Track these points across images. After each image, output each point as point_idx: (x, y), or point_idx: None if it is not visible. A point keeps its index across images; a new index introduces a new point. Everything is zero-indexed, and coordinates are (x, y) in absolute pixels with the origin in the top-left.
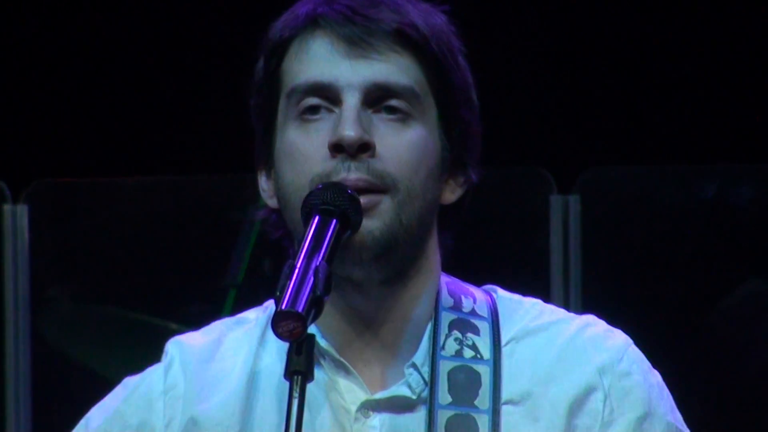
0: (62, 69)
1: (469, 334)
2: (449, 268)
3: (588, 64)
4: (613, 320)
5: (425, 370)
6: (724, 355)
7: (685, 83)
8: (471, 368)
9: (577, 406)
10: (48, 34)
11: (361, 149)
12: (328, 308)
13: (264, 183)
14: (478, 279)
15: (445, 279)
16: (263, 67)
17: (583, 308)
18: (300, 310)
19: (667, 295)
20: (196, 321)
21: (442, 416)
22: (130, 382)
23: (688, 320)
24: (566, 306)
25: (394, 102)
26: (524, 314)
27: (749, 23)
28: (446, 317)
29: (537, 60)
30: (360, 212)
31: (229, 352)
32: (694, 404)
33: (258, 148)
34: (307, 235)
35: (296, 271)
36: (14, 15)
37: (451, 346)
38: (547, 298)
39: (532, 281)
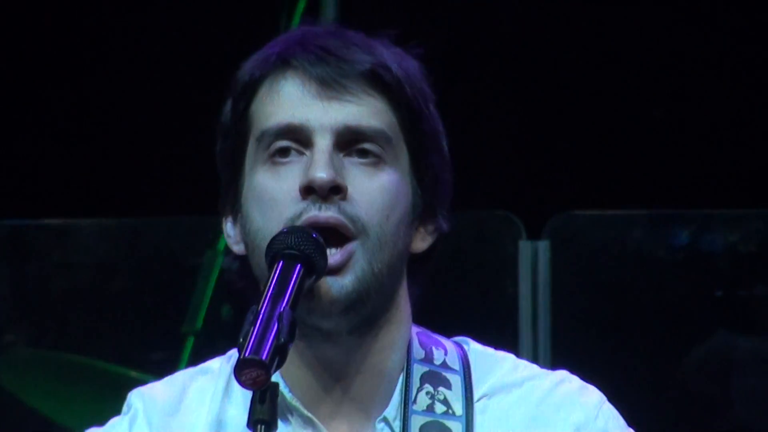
0: (16, 109)
1: (441, 388)
2: (415, 313)
3: (559, 108)
4: (582, 369)
5: (397, 425)
6: (697, 408)
7: (658, 128)
8: (443, 424)
9: None
10: (9, 75)
11: (333, 191)
12: (295, 360)
13: (230, 229)
14: (445, 325)
15: (415, 329)
16: (231, 109)
17: (552, 355)
18: (264, 357)
19: (637, 343)
20: (156, 368)
21: None
22: None
23: (659, 370)
24: (534, 353)
25: (366, 145)
26: (497, 369)
27: (721, 70)
28: (418, 369)
29: (506, 104)
30: (325, 257)
31: (193, 404)
32: None
33: (224, 192)
34: (271, 280)
35: (260, 317)
36: None
37: (422, 400)
38: (515, 345)
39: (500, 327)
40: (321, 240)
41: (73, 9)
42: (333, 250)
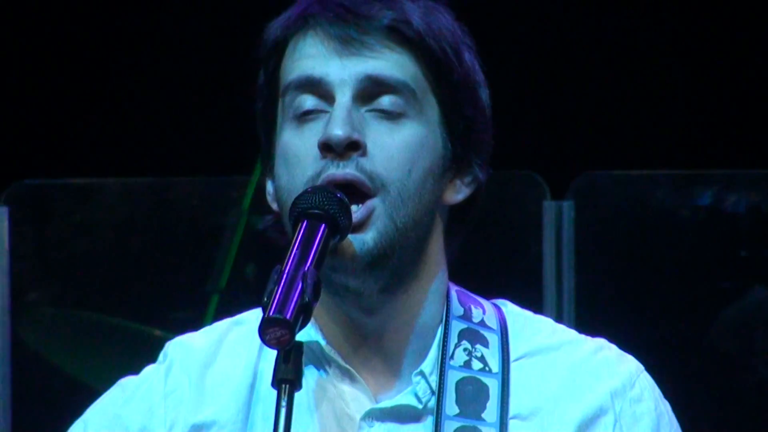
0: (42, 71)
1: (479, 346)
2: (450, 270)
3: (582, 69)
4: (605, 327)
5: (433, 379)
6: (726, 366)
7: (682, 88)
8: (479, 380)
9: (586, 426)
10: (26, 37)
11: (350, 147)
12: (331, 316)
13: (270, 187)
14: (469, 285)
15: (454, 288)
16: (263, 71)
17: (576, 315)
18: (288, 316)
19: (660, 303)
20: (180, 327)
21: (449, 427)
22: (128, 384)
23: (682, 328)
24: (558, 313)
25: (388, 98)
26: (536, 331)
27: (745, 30)
28: (456, 326)
29: (531, 65)
30: (350, 216)
31: (230, 355)
32: (694, 416)
33: (263, 152)
34: (295, 239)
35: (284, 276)
36: None
37: (460, 356)
38: (539, 305)
39: (524, 287)
40: (345, 199)
41: None
42: (354, 207)
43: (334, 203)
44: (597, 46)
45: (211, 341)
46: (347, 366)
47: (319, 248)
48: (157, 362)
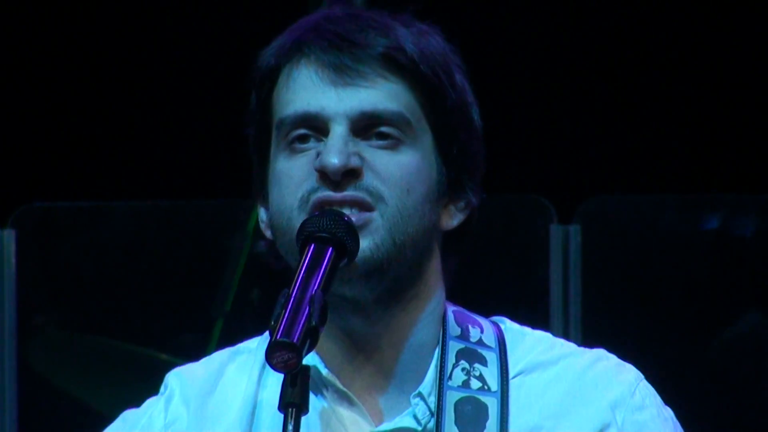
0: (50, 94)
1: (477, 365)
2: (448, 297)
3: (590, 93)
4: (612, 351)
5: (431, 401)
6: (728, 390)
7: (689, 112)
8: (478, 400)
9: None
10: (35, 57)
11: (347, 175)
12: (328, 335)
13: (263, 214)
14: (476, 308)
15: (451, 308)
16: (255, 97)
17: (582, 338)
18: (295, 340)
19: (668, 327)
20: (186, 351)
21: None
22: (129, 416)
23: (689, 353)
24: (565, 337)
25: (383, 129)
26: (533, 347)
27: (754, 56)
28: (454, 346)
29: (539, 88)
30: (357, 240)
31: (230, 384)
32: None
33: (255, 179)
34: (303, 263)
35: (291, 300)
36: None
37: (458, 376)
38: (546, 329)
39: (531, 311)
40: (353, 223)
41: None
42: (353, 218)
43: (341, 227)
44: (605, 70)
45: (211, 371)
46: (345, 390)
47: (326, 272)
48: (159, 393)
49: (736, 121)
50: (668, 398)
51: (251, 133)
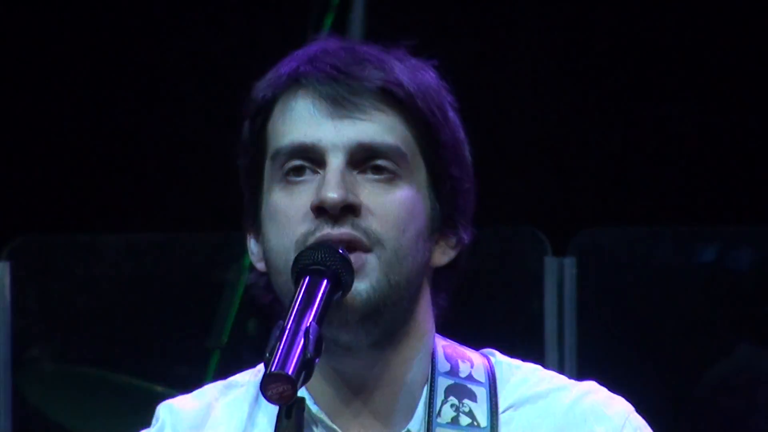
0: (46, 124)
1: (466, 401)
2: (441, 328)
3: (584, 125)
4: (607, 384)
5: None
6: (721, 423)
7: (684, 144)
8: None
9: None
10: (30, 88)
11: (346, 210)
12: (318, 373)
13: (253, 246)
14: (470, 340)
15: (441, 342)
16: (248, 128)
17: (578, 371)
18: (290, 372)
19: (663, 360)
20: (181, 383)
21: None
22: None
23: (684, 384)
24: (560, 369)
25: (380, 162)
26: (523, 380)
27: (748, 86)
28: (442, 382)
29: (532, 119)
30: (352, 272)
31: (221, 419)
32: None
33: (246, 210)
34: (297, 295)
35: (286, 332)
36: None
37: (447, 413)
38: (541, 361)
39: (526, 344)
40: (348, 256)
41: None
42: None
43: (336, 259)
44: (600, 102)
45: (202, 405)
46: (334, 426)
47: (321, 304)
48: (151, 426)
49: (732, 153)
50: (663, 430)
51: (243, 163)
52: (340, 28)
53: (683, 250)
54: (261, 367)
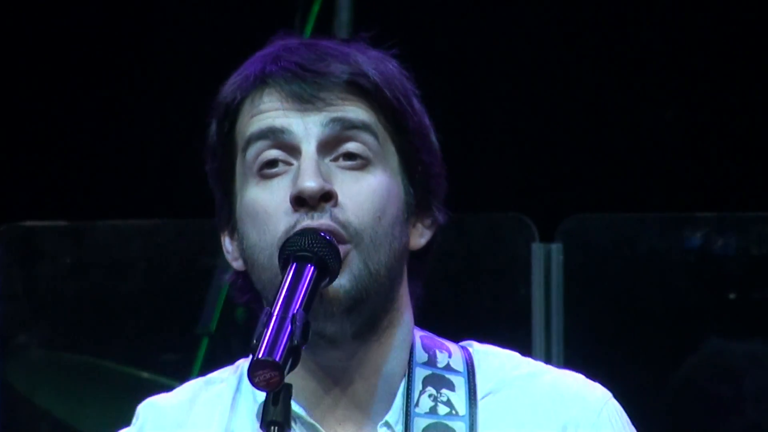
0: (33, 112)
1: (444, 390)
2: (428, 316)
3: (571, 111)
4: (594, 370)
5: (399, 428)
6: (708, 410)
7: (671, 130)
8: (446, 425)
9: None
10: (20, 78)
11: (323, 199)
12: (298, 368)
13: (228, 245)
14: (457, 327)
15: (419, 333)
16: (216, 130)
17: (564, 357)
18: (277, 358)
19: (650, 346)
20: (169, 370)
21: None
22: None
23: (670, 370)
24: (547, 355)
25: (351, 146)
26: (501, 366)
27: (735, 73)
28: (420, 373)
29: (518, 106)
30: (339, 258)
31: (201, 417)
32: None
33: (219, 211)
34: (284, 282)
35: (273, 319)
36: None
37: (425, 403)
38: (528, 347)
39: (513, 330)
40: (334, 241)
41: (92, 12)
42: None
43: (323, 245)
44: (585, 88)
45: (183, 401)
46: (313, 422)
47: (308, 290)
48: (131, 424)
49: (719, 140)
50: (647, 417)
51: (212, 167)
52: (327, 15)
53: (670, 236)
54: (241, 362)
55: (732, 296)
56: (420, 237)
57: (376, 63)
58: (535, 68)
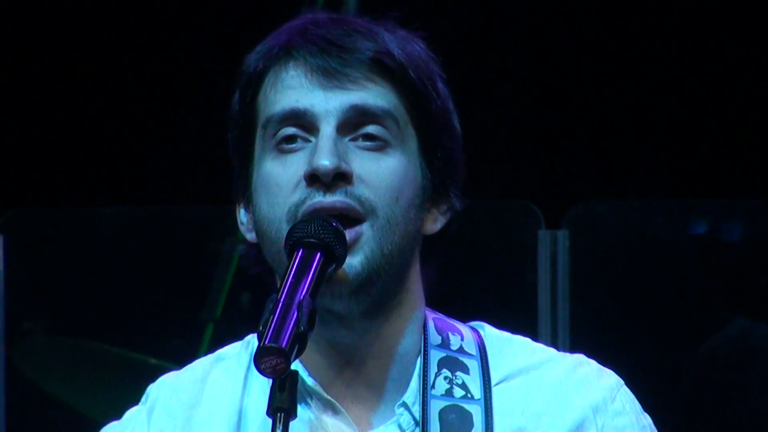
0: (38, 99)
1: (459, 373)
2: (435, 301)
3: (578, 98)
4: (600, 356)
5: (416, 410)
6: (713, 396)
7: (677, 117)
8: (462, 408)
9: None
10: (24, 66)
11: (338, 178)
12: (312, 344)
13: (243, 216)
14: (464, 313)
15: (431, 315)
16: (239, 99)
17: (570, 344)
18: (283, 345)
19: (656, 332)
20: (175, 355)
21: None
22: (111, 430)
23: (677, 359)
24: (553, 342)
25: (371, 128)
26: (515, 353)
27: (740, 61)
28: (435, 355)
29: (526, 93)
30: (345, 245)
31: (214, 394)
32: None
33: (236, 181)
34: (291, 268)
35: (279, 305)
36: None
37: (441, 385)
38: (534, 334)
39: (519, 316)
40: (341, 228)
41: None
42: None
43: (329, 232)
44: (593, 75)
45: (195, 380)
46: (330, 398)
47: (315, 277)
48: (140, 404)
49: (724, 126)
50: (656, 403)
51: (234, 135)
52: (335, 0)
53: (675, 223)
54: (250, 337)
55: (737, 282)
56: (434, 222)
57: (402, 43)
58: (543, 56)
